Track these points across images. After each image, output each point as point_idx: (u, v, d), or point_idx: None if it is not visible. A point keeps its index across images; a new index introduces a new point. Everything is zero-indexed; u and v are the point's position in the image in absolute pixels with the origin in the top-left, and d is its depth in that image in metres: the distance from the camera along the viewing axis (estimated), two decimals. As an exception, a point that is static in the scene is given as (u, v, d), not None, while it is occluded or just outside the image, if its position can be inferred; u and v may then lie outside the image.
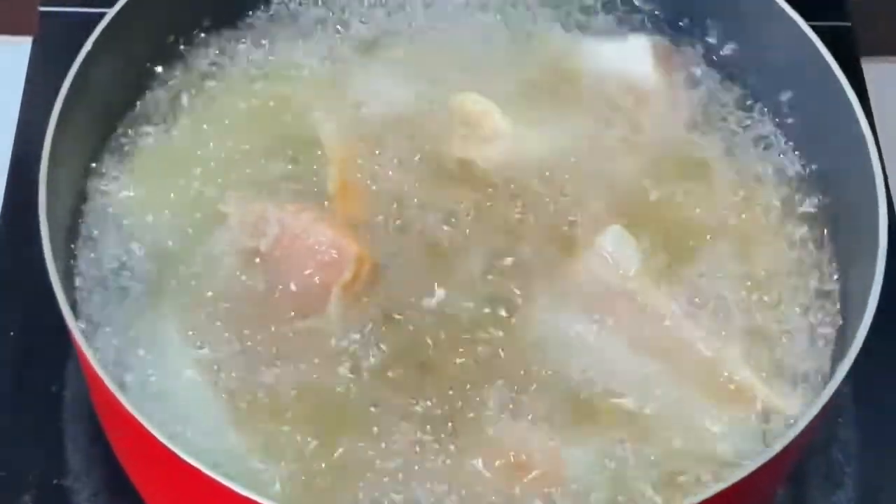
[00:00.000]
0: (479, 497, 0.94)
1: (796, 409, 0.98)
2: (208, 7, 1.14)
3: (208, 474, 0.86)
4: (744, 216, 1.08)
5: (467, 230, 1.05)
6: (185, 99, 1.11)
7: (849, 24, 1.34)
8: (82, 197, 1.06)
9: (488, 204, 1.07)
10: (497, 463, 0.95)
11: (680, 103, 1.14)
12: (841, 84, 1.05)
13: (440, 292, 1.02)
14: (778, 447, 0.90)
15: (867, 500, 1.10)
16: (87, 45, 1.03)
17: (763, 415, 0.99)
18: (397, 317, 1.01)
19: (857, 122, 1.03)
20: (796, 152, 1.11)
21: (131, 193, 1.06)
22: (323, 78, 1.13)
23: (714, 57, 1.16)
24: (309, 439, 0.96)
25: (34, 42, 1.30)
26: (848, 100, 1.04)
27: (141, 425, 0.88)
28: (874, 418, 1.12)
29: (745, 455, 0.96)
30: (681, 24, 1.17)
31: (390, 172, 1.08)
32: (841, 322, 1.03)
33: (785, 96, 1.12)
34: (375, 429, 0.96)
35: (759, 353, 1.01)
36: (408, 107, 1.11)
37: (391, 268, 1.03)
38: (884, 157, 1.17)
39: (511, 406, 0.98)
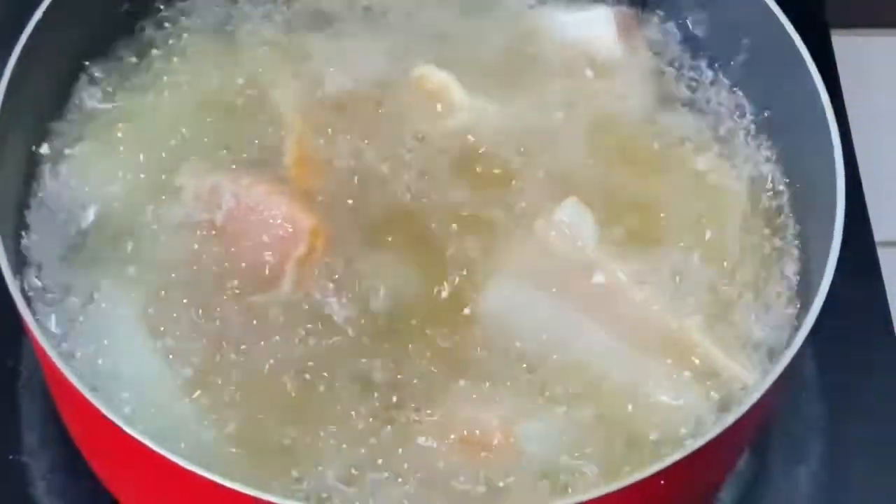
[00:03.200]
0: (433, 471, 0.93)
1: (755, 379, 0.97)
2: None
3: (156, 449, 0.85)
4: (703, 188, 1.07)
5: (425, 203, 1.04)
6: (138, 69, 1.11)
7: None
8: (32, 168, 1.04)
9: (447, 177, 1.06)
10: (451, 437, 0.95)
11: (642, 73, 1.13)
12: (803, 57, 1.04)
13: (396, 266, 1.01)
14: (732, 417, 0.90)
15: (830, 473, 1.09)
16: (38, 14, 1.01)
17: (723, 385, 0.98)
18: (353, 291, 1.00)
19: (818, 95, 1.02)
20: (758, 125, 1.10)
21: (83, 166, 1.05)
22: (282, 49, 1.12)
23: (677, 27, 1.15)
24: (261, 413, 0.95)
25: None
26: (810, 73, 1.03)
27: (88, 400, 0.87)
28: (837, 392, 1.12)
29: (705, 426, 0.96)
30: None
31: (348, 145, 1.07)
32: (801, 293, 1.02)
33: (748, 68, 1.12)
34: (329, 403, 0.96)
35: (718, 324, 1.01)
36: (367, 79, 1.10)
37: (347, 242, 1.02)
38: (852, 129, 1.20)
39: (467, 380, 0.97)
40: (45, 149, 1.05)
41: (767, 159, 1.09)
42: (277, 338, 0.98)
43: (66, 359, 0.94)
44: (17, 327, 1.03)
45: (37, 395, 1.08)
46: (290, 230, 1.01)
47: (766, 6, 1.07)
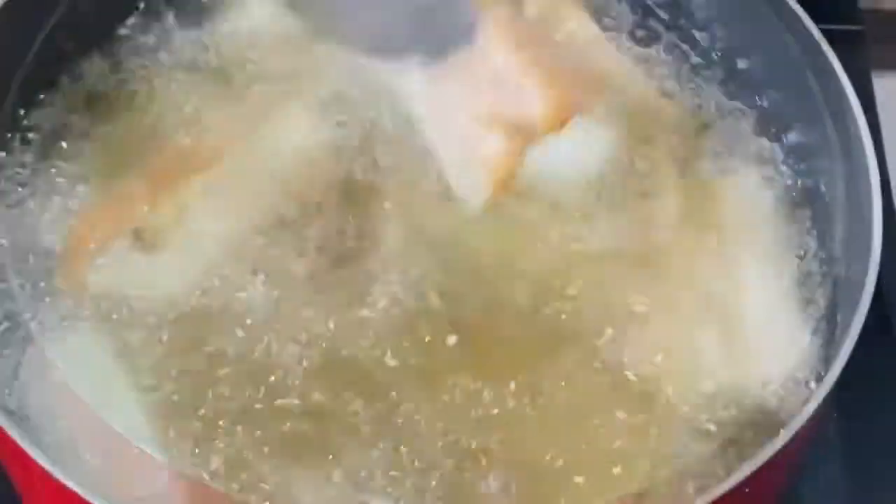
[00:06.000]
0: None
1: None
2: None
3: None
4: (737, 224, 1.02)
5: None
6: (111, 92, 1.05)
7: (861, 27, 1.31)
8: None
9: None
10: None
11: (674, 106, 1.07)
12: (846, 92, 0.99)
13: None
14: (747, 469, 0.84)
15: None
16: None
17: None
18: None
19: (860, 137, 0.97)
20: (793, 158, 1.05)
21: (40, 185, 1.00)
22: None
23: (713, 59, 1.10)
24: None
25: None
26: (854, 116, 0.98)
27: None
28: (860, 454, 1.08)
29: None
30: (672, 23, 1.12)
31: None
32: (828, 337, 0.97)
33: (785, 103, 1.07)
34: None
35: (740, 364, 0.95)
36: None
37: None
38: (888, 168, 1.15)
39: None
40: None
41: (803, 198, 1.04)
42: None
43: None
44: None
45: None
46: None
47: (818, 45, 1.01)
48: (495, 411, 0.92)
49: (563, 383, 0.92)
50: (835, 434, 1.07)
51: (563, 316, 0.95)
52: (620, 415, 0.92)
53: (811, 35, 1.02)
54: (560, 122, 0.86)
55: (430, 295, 0.95)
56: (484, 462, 0.90)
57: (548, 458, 0.91)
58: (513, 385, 0.92)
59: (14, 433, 0.83)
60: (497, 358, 0.94)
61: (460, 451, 0.90)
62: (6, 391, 0.90)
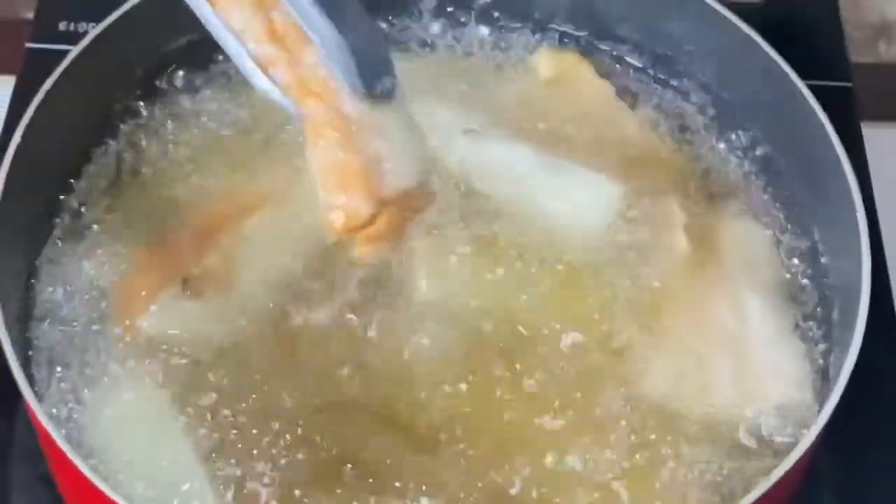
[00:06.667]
0: None
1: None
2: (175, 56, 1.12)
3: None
4: (729, 281, 1.04)
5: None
6: (149, 144, 1.09)
7: (849, 84, 1.30)
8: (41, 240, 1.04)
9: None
10: None
11: (680, 159, 1.12)
12: (835, 147, 1.03)
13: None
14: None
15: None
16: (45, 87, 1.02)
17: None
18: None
19: (850, 189, 1.01)
20: (787, 206, 1.10)
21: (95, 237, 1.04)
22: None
23: (709, 114, 1.15)
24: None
25: (17, 79, 1.26)
26: (843, 169, 1.02)
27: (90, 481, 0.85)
28: (852, 484, 1.09)
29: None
30: (674, 82, 1.16)
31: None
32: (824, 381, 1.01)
33: (779, 158, 1.11)
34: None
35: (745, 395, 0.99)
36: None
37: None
38: (880, 220, 1.16)
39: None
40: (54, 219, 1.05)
41: (799, 244, 1.08)
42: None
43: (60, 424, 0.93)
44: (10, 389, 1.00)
45: (29, 459, 1.04)
46: None
47: (807, 101, 1.05)
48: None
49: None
50: (827, 464, 1.07)
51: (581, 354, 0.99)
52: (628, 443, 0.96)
53: (800, 91, 1.05)
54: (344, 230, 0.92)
55: (468, 333, 0.99)
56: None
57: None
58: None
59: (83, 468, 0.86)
60: (525, 390, 0.97)
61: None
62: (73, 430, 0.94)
